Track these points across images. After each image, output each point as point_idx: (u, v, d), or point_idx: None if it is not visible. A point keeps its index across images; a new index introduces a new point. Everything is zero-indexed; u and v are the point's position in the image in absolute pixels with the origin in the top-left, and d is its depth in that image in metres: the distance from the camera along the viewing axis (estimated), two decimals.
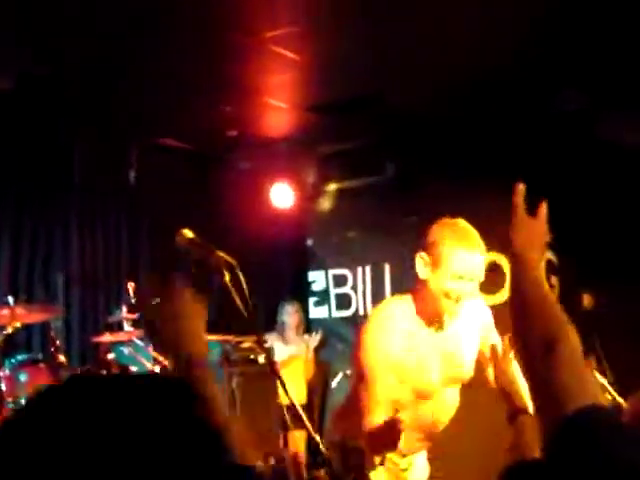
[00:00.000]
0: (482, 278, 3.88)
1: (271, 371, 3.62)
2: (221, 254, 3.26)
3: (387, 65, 6.82)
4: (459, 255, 3.76)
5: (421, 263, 3.88)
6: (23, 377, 6.12)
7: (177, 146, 8.70)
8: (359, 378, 3.88)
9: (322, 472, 5.33)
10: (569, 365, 1.93)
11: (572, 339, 1.98)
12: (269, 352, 3.39)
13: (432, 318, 3.96)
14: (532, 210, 2.41)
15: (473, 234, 3.83)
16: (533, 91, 7.33)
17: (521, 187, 2.38)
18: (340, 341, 9.39)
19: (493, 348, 3.45)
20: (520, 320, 2.15)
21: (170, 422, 1.25)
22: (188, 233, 3.40)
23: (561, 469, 1.69)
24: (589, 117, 7.36)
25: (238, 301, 3.18)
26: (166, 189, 8.58)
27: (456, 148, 8.33)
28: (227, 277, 3.19)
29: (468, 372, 4.11)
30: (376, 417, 3.65)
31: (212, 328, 8.55)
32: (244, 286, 3.22)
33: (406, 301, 3.99)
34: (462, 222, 3.90)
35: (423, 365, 3.94)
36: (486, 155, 8.15)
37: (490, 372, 3.60)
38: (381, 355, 3.82)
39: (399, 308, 3.98)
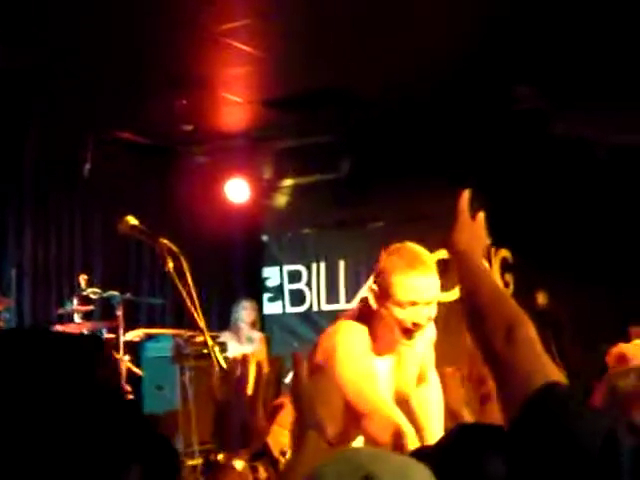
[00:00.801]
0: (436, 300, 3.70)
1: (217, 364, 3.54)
2: (164, 241, 3.23)
3: (344, 60, 6.81)
4: (408, 281, 3.59)
5: (372, 295, 3.68)
6: None
7: (133, 139, 8.64)
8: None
9: None
10: (529, 348, 1.96)
11: (528, 323, 2.02)
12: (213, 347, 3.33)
13: (384, 349, 3.79)
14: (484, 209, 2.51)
15: (423, 256, 3.64)
16: (488, 89, 7.35)
17: (466, 192, 2.51)
18: (294, 337, 9.39)
19: None
20: (476, 312, 2.15)
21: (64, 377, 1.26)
22: (131, 220, 3.37)
23: (523, 446, 1.72)
24: (544, 115, 7.40)
25: (181, 289, 3.15)
26: (120, 182, 8.52)
27: (411, 146, 8.35)
28: (170, 265, 3.17)
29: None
30: (395, 412, 3.56)
31: (165, 325, 8.53)
32: (187, 274, 3.19)
33: (362, 331, 3.75)
34: (410, 246, 3.72)
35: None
36: (441, 154, 8.18)
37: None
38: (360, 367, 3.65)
39: (359, 337, 3.75)
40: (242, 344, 8.83)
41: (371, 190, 8.80)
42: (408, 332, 3.65)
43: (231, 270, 9.93)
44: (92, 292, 6.98)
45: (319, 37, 6.38)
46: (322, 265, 9.39)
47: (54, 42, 6.27)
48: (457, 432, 1.97)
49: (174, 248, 3.22)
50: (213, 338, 6.91)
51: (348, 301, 9.09)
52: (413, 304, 3.60)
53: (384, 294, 3.64)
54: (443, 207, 8.49)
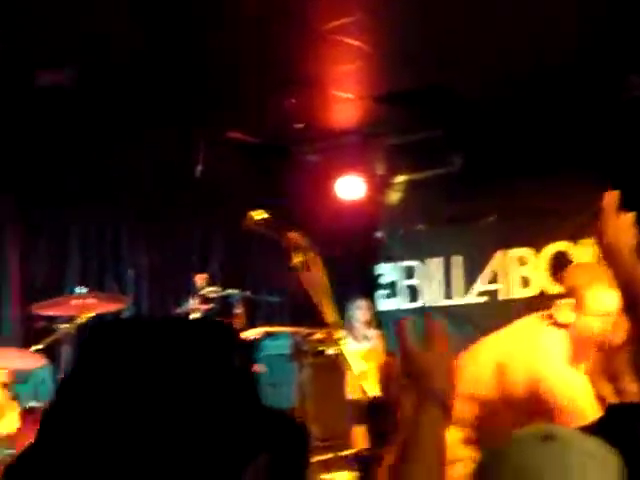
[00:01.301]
0: None
1: (339, 363, 3.53)
2: (293, 234, 3.20)
3: (455, 54, 6.75)
4: (601, 294, 3.68)
5: (566, 309, 3.78)
6: None
7: (244, 140, 8.71)
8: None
9: None
10: None
11: None
12: (339, 343, 3.31)
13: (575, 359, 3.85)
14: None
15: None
16: (600, 78, 7.21)
17: (613, 194, 2.62)
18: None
19: None
20: (632, 301, 2.30)
21: (206, 365, 1.28)
22: (256, 215, 3.35)
23: None
24: None
25: (309, 285, 3.12)
26: (233, 183, 8.61)
27: (523, 139, 8.24)
28: (297, 259, 3.14)
29: None
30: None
31: (283, 323, 8.60)
32: (319, 267, 3.14)
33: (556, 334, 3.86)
34: (593, 264, 3.81)
35: None
36: (555, 147, 8.06)
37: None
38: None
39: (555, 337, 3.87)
40: (359, 342, 8.82)
41: (484, 185, 8.71)
42: (602, 343, 3.75)
43: (345, 267, 9.93)
44: (211, 291, 7.05)
45: (428, 32, 6.33)
46: (436, 260, 9.33)
47: (166, 44, 6.36)
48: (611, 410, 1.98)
49: (302, 242, 3.19)
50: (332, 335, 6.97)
51: (463, 296, 9.02)
52: (607, 315, 3.69)
53: (579, 308, 3.74)
54: (556, 201, 8.39)
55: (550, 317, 3.83)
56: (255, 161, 9.02)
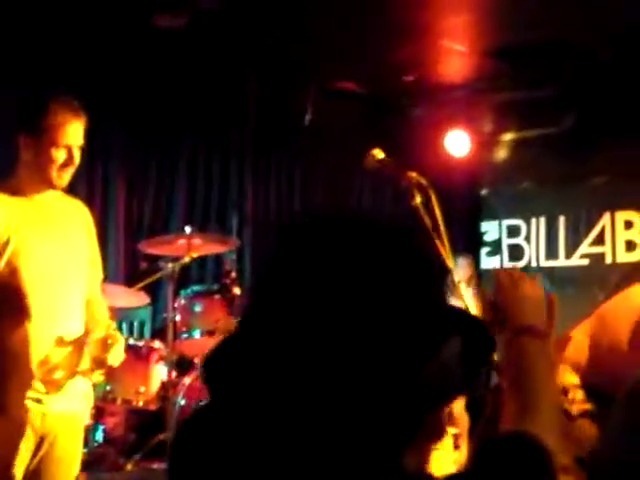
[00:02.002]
0: None
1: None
2: (413, 174, 3.18)
3: (571, 10, 6.61)
4: None
5: None
6: (198, 308, 6.21)
7: (353, 90, 8.70)
8: None
9: None
10: None
11: None
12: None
13: None
14: None
15: None
16: None
17: None
18: None
19: None
20: None
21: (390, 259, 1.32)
22: (378, 153, 3.35)
23: None
24: None
25: (430, 224, 3.11)
26: (340, 133, 8.62)
27: (636, 99, 8.06)
28: (418, 199, 3.13)
29: None
30: None
31: None
32: (437, 208, 3.13)
33: None
34: None
35: None
36: None
37: None
38: None
39: None
40: (458, 299, 8.77)
41: (594, 145, 8.57)
42: None
43: (450, 223, 9.84)
44: None
45: None
46: (542, 220, 9.23)
47: None
48: None
49: (423, 181, 3.17)
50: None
51: (567, 257, 8.92)
52: None
53: None
54: None
55: None
56: (364, 113, 9.01)
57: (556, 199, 9.10)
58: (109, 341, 3.57)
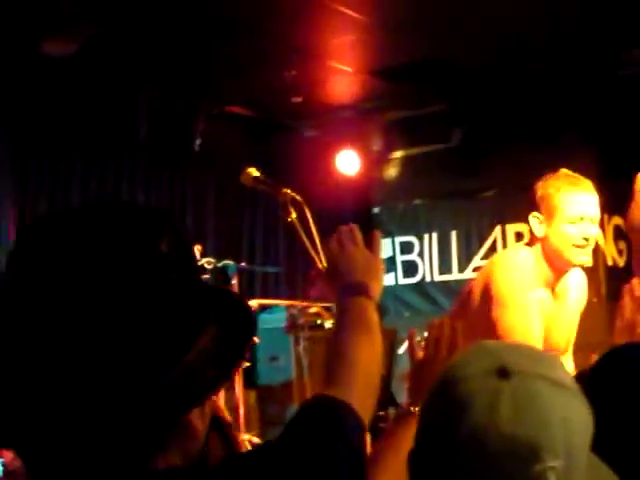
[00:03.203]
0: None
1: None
2: (288, 191, 3.19)
3: (454, 29, 6.72)
4: (573, 198, 3.72)
5: (536, 222, 3.82)
6: None
7: (242, 114, 8.70)
8: (499, 304, 3.82)
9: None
10: None
11: None
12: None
13: (548, 279, 3.89)
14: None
15: (581, 178, 3.80)
16: (597, 53, 7.20)
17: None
18: (406, 308, 9.37)
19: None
20: None
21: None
22: (253, 171, 3.36)
23: None
24: None
25: (306, 240, 3.12)
26: (231, 156, 8.60)
27: (522, 114, 8.23)
28: (293, 215, 3.14)
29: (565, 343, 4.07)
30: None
31: (279, 294, 8.60)
32: (312, 224, 3.15)
33: (530, 253, 3.92)
34: (566, 171, 3.85)
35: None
36: (553, 121, 8.05)
37: None
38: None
39: (528, 257, 3.92)
40: None
41: (483, 159, 8.73)
42: (582, 248, 3.76)
43: None
44: (206, 262, 7.02)
45: (426, 2, 6.29)
46: (434, 236, 9.33)
47: (164, 17, 6.32)
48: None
49: (298, 198, 3.18)
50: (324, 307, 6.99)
51: (460, 271, 9.02)
52: (581, 219, 3.72)
53: (551, 215, 3.77)
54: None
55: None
56: (253, 136, 9.01)
57: (447, 214, 9.21)
58: None
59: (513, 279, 3.83)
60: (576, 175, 3.79)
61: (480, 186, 8.99)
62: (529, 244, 3.93)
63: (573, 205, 3.72)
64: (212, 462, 1.38)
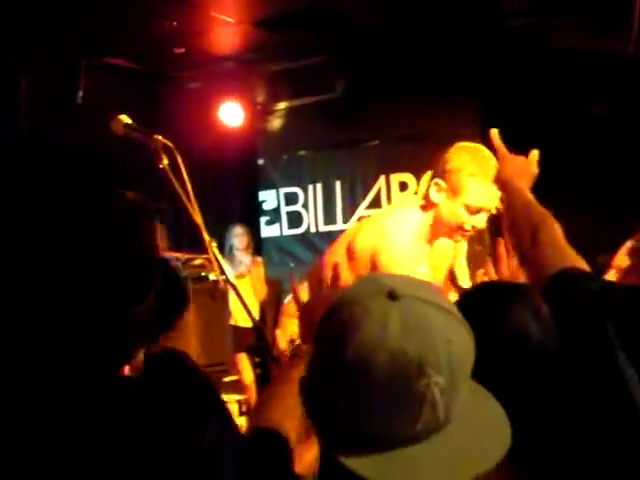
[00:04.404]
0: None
1: (232, 288, 3.56)
2: (159, 137, 3.18)
3: None
4: (482, 188, 3.67)
5: (434, 189, 3.79)
6: None
7: (125, 65, 8.58)
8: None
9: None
10: (552, 246, 2.23)
11: (552, 224, 2.32)
12: (222, 267, 3.30)
13: (431, 238, 3.94)
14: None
15: (492, 163, 3.51)
16: (484, 4, 7.29)
17: (494, 131, 2.83)
18: (291, 259, 9.43)
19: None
20: (510, 222, 2.47)
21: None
22: (124, 118, 3.32)
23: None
24: (538, 29, 7.33)
25: (177, 187, 3.12)
26: (114, 109, 8.48)
27: (406, 65, 8.30)
28: (165, 161, 3.13)
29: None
30: None
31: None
32: (183, 171, 3.15)
33: (413, 214, 3.92)
34: (481, 149, 3.72)
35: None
36: (437, 72, 8.13)
37: None
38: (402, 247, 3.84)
39: (408, 217, 3.92)
40: (234, 268, 8.84)
41: (366, 110, 8.80)
42: (464, 233, 3.82)
43: (227, 194, 9.92)
44: None
45: None
46: (318, 186, 9.39)
47: None
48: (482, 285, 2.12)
49: (169, 144, 3.18)
50: (208, 259, 6.97)
51: (345, 221, 9.11)
52: (479, 210, 3.74)
53: (453, 193, 3.75)
54: (437, 126, 8.53)
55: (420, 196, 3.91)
56: (136, 87, 8.90)
57: (332, 165, 9.28)
58: None
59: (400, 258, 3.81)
60: (487, 158, 3.62)
61: (364, 136, 9.08)
62: (424, 208, 3.90)
63: (477, 196, 3.70)
64: None
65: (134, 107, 8.52)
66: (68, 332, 1.31)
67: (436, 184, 3.78)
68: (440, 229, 3.87)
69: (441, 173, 3.79)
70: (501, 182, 2.69)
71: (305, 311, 2.39)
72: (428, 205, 3.88)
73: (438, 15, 7.45)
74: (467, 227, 3.79)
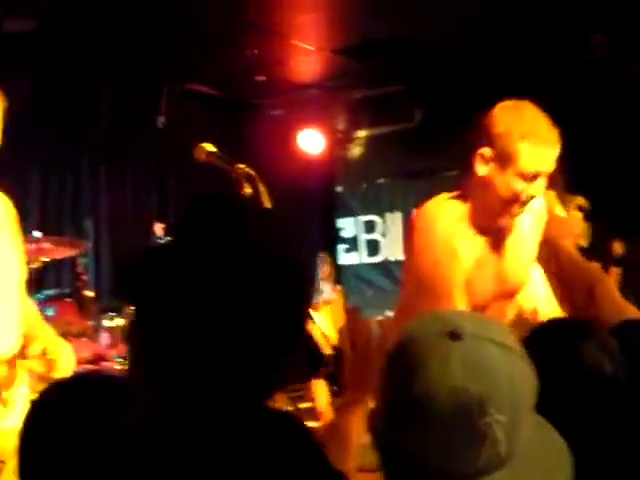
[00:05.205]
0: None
1: None
2: (242, 166, 3.17)
3: (417, 7, 6.71)
4: (537, 151, 3.11)
5: (481, 161, 3.12)
6: (50, 312, 6.07)
7: (207, 92, 8.69)
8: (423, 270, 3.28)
9: None
10: (610, 302, 2.28)
11: (607, 281, 2.40)
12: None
13: (487, 227, 3.31)
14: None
15: (543, 121, 3.14)
16: (563, 36, 7.24)
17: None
18: (370, 287, 9.42)
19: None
20: (563, 285, 2.55)
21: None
22: (207, 146, 3.33)
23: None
24: (618, 60, 7.27)
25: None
26: (195, 134, 8.59)
27: (484, 94, 8.25)
28: (248, 190, 3.12)
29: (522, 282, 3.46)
30: (458, 300, 3.17)
31: None
32: (266, 200, 3.13)
33: (458, 204, 3.32)
34: (528, 106, 3.19)
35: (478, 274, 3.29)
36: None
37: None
38: (447, 245, 3.21)
39: (453, 208, 3.33)
40: (316, 297, 8.85)
41: (444, 138, 8.76)
42: (521, 205, 3.22)
43: (306, 222, 9.96)
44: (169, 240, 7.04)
45: None
46: (397, 215, 9.38)
47: None
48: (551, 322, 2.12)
49: (252, 173, 3.17)
50: None
51: None
52: (535, 176, 3.15)
53: (504, 161, 3.14)
54: None
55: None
56: (217, 114, 9.00)
57: (410, 193, 9.27)
58: (49, 357, 3.25)
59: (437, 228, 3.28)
60: (539, 115, 3.14)
61: (442, 165, 9.05)
62: (463, 194, 3.33)
63: (532, 160, 3.09)
64: None
65: (214, 133, 8.65)
66: (231, 362, 1.48)
67: (481, 155, 3.15)
68: (493, 208, 3.22)
69: (485, 141, 3.18)
70: (547, 243, 2.62)
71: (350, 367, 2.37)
72: (475, 187, 3.34)
73: (519, 45, 7.42)
74: (524, 197, 3.24)
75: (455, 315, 1.57)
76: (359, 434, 1.91)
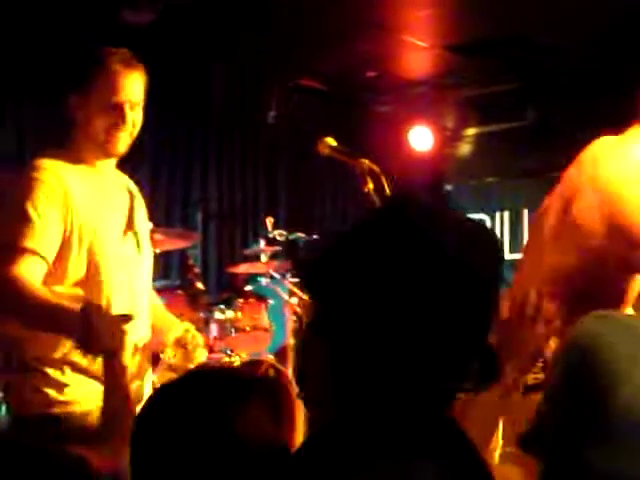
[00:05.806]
0: None
1: None
2: (365, 161, 3.16)
3: (532, 5, 6.63)
4: None
5: None
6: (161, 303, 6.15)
7: (317, 87, 8.72)
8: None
9: None
10: None
11: None
12: None
13: None
14: None
15: None
16: None
17: None
18: None
19: None
20: None
21: None
22: (331, 141, 3.32)
23: None
24: None
25: None
26: (304, 130, 8.64)
27: (597, 93, 8.12)
28: (371, 185, 3.11)
29: None
30: None
31: None
32: (389, 194, 3.12)
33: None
34: None
35: None
36: (631, 99, 7.92)
37: None
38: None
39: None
40: None
41: (556, 138, 8.64)
42: None
43: None
44: (278, 234, 7.08)
45: None
46: (506, 214, 9.29)
47: None
48: None
49: (375, 168, 3.16)
50: None
51: None
52: None
53: None
54: None
55: None
56: (328, 109, 9.02)
57: (520, 193, 9.16)
58: (189, 347, 3.32)
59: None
60: None
61: (553, 165, 8.89)
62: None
63: None
64: None
65: (324, 128, 8.65)
66: (424, 370, 1.44)
67: None
68: None
69: None
70: None
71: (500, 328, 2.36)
72: None
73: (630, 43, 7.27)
74: None
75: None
76: None
